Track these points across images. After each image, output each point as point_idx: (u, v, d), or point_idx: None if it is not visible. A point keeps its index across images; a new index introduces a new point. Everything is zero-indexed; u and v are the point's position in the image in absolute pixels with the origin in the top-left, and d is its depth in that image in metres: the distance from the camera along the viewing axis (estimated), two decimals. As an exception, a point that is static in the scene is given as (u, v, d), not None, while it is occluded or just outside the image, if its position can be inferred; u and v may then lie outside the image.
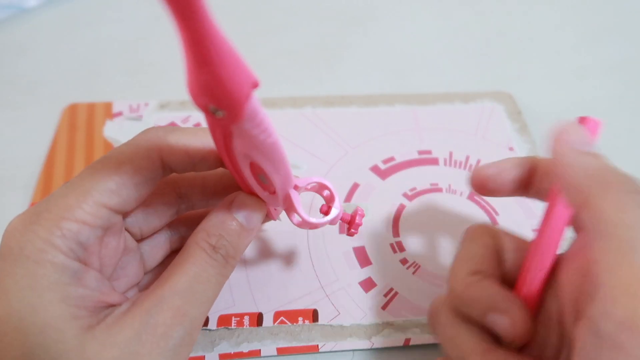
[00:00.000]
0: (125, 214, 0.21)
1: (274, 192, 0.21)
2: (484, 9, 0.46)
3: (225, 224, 0.21)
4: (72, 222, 0.18)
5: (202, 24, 0.13)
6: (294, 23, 0.44)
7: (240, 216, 0.21)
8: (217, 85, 0.14)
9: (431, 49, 0.43)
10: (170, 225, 0.24)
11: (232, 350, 0.25)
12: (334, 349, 0.26)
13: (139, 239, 0.23)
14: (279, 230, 0.30)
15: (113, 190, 0.19)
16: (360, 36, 0.44)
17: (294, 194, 0.21)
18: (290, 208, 0.22)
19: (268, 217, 0.23)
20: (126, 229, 0.22)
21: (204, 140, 0.21)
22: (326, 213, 0.23)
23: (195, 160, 0.21)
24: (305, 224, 0.23)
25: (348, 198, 0.32)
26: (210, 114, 0.15)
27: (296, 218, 0.23)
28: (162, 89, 0.39)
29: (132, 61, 0.41)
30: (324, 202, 0.24)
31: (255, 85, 0.15)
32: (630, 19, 0.46)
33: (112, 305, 0.19)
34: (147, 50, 0.42)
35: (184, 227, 0.25)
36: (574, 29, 0.45)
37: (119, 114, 0.36)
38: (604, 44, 0.44)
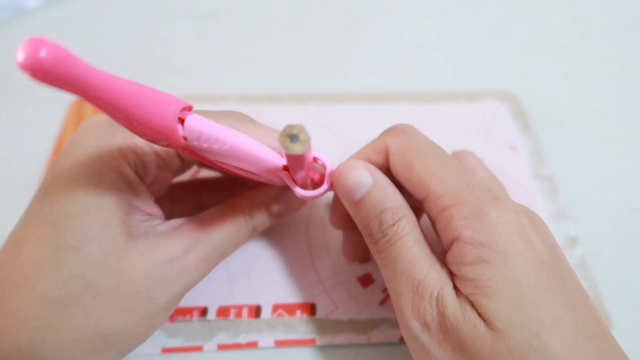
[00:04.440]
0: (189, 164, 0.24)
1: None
2: (489, 8, 0.46)
3: (269, 203, 0.25)
4: (146, 145, 0.21)
5: (102, 92, 0.14)
6: (300, 20, 0.45)
7: (278, 206, 0.25)
8: (144, 131, 0.15)
9: (436, 48, 0.43)
10: None
11: (230, 341, 0.26)
12: (330, 343, 0.26)
13: None
14: (280, 224, 0.30)
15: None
16: (366, 34, 0.44)
17: (284, 175, 0.22)
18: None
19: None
20: None
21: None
22: (320, 181, 0.24)
23: None
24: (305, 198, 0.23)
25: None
26: (164, 145, 0.17)
27: (297, 192, 0.23)
28: (168, 84, 0.39)
29: (137, 57, 0.41)
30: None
31: (187, 108, 0.16)
32: (636, 18, 0.46)
33: (151, 215, 0.22)
34: (152, 47, 0.42)
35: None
36: (579, 28, 0.45)
37: (126, 107, 0.36)
38: (609, 43, 0.43)
